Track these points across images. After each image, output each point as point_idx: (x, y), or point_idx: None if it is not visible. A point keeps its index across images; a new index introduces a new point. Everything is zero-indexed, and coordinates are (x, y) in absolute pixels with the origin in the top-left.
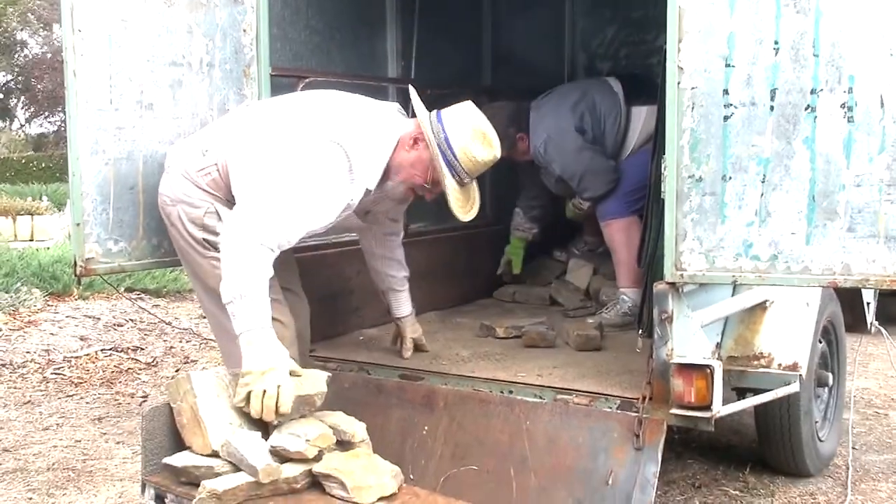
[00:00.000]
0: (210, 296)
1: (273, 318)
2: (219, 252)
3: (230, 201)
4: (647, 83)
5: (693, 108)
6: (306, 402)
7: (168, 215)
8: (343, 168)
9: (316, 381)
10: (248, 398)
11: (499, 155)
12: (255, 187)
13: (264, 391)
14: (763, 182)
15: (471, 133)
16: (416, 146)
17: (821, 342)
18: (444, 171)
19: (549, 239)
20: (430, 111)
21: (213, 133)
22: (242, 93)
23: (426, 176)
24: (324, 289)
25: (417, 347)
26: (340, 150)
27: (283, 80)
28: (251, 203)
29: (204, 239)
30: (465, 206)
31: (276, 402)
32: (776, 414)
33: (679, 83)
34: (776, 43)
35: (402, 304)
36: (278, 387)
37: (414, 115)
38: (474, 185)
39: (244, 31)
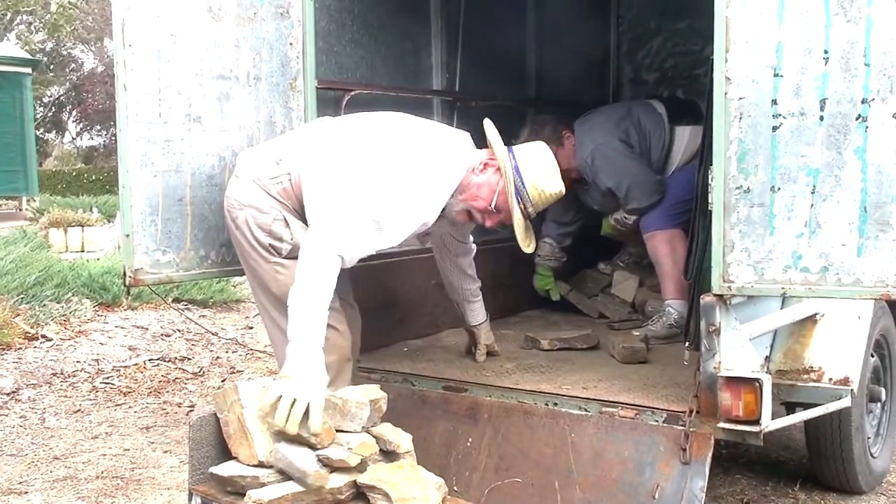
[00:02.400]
0: (270, 299)
1: (329, 326)
2: (283, 258)
3: (297, 211)
4: (688, 105)
5: (741, 118)
6: (376, 410)
7: (234, 219)
8: (422, 190)
9: (370, 390)
10: (276, 402)
11: (563, 191)
12: (338, 203)
13: (294, 399)
14: (813, 193)
15: (540, 166)
16: (484, 171)
17: (873, 356)
18: (513, 195)
19: (594, 251)
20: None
21: (289, 143)
22: (289, 106)
23: (489, 200)
24: (369, 300)
25: (490, 353)
26: (421, 172)
27: (329, 94)
28: (332, 216)
29: (270, 244)
30: (526, 238)
31: (301, 416)
32: (827, 429)
33: (726, 93)
34: (826, 52)
35: (477, 314)
36: (309, 402)
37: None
38: (531, 223)
39: (290, 44)
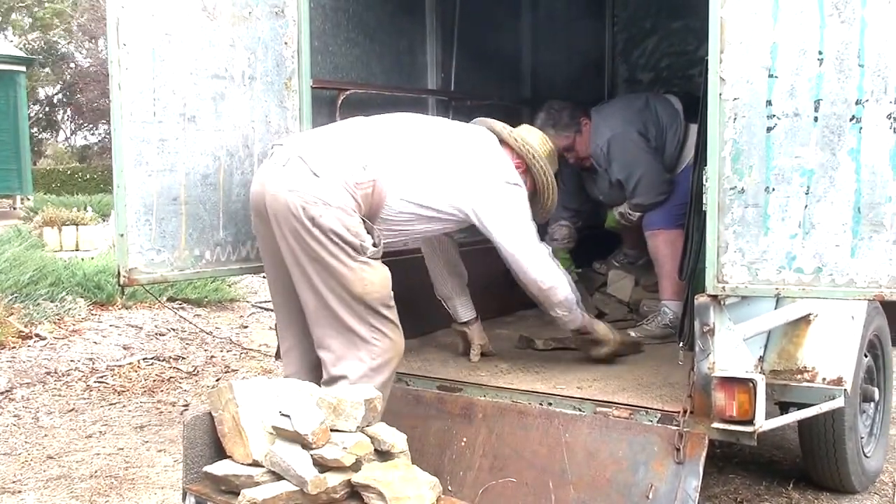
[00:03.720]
0: (339, 298)
1: (396, 326)
2: (369, 257)
3: (367, 217)
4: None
5: (735, 119)
6: (371, 409)
7: (315, 216)
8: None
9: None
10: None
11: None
12: (521, 231)
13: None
14: (807, 194)
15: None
16: (521, 170)
17: (866, 356)
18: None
19: (589, 251)
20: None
21: (372, 147)
22: (284, 105)
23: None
24: None
25: (484, 353)
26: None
27: (324, 93)
28: (529, 240)
29: (361, 244)
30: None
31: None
32: (820, 429)
33: (721, 94)
34: (820, 53)
35: (466, 309)
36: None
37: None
38: None
39: (285, 44)
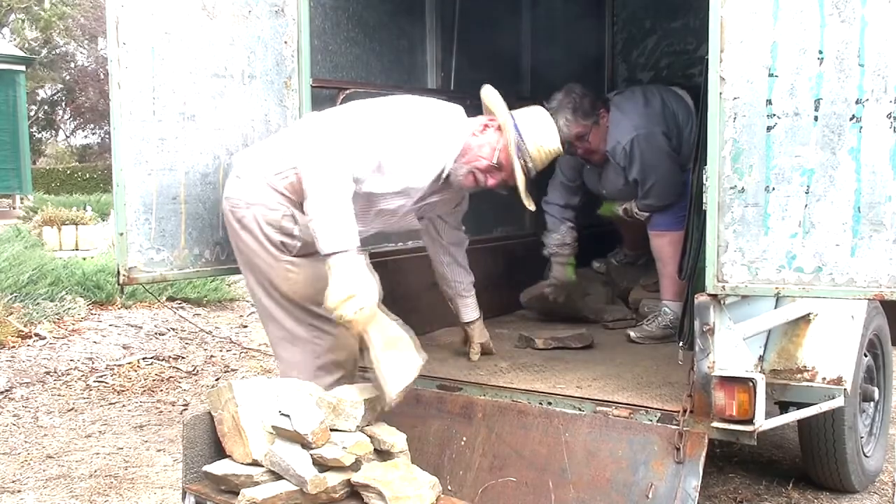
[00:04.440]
0: (276, 299)
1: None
2: (294, 256)
3: (303, 206)
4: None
5: (735, 118)
6: (371, 409)
7: (240, 218)
8: (424, 143)
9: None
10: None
11: (562, 150)
12: (344, 126)
13: (348, 319)
14: (807, 193)
15: (540, 124)
16: (484, 131)
17: (866, 356)
18: (514, 149)
19: (588, 250)
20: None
21: (289, 138)
22: (283, 104)
23: (491, 157)
24: None
25: (485, 351)
26: (422, 127)
27: (324, 92)
28: (337, 133)
29: (281, 242)
30: (528, 196)
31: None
32: (820, 429)
33: (721, 93)
34: (820, 52)
35: (470, 310)
36: (357, 310)
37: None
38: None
39: (285, 42)
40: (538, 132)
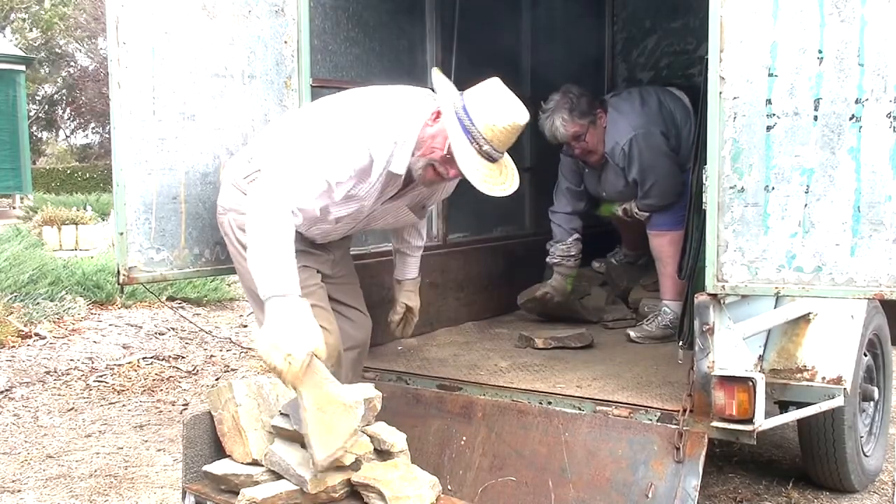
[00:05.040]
0: (257, 303)
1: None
2: None
3: None
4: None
5: (735, 118)
6: (371, 409)
7: (221, 224)
8: (368, 142)
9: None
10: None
11: (521, 122)
12: (285, 157)
13: (274, 367)
14: (807, 193)
15: (488, 100)
16: (436, 120)
17: (866, 355)
18: (461, 137)
19: (588, 250)
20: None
21: (258, 141)
22: (283, 104)
23: (443, 147)
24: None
25: (408, 317)
26: (366, 125)
27: (324, 92)
28: (279, 169)
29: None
30: (494, 180)
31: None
32: (820, 428)
33: (721, 93)
34: (820, 52)
35: (410, 268)
36: (284, 360)
37: None
38: (507, 160)
39: (285, 42)
40: (488, 110)
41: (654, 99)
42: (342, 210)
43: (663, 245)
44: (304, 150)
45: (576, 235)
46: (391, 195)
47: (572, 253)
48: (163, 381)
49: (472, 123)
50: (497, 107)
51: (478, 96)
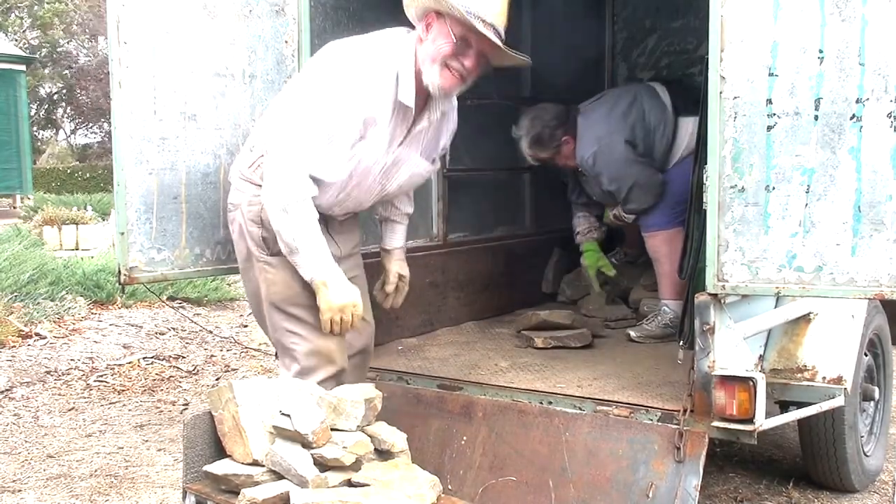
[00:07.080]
0: (257, 306)
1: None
2: (270, 255)
3: None
4: (692, 91)
5: (735, 117)
6: (371, 408)
7: (231, 222)
8: (361, 83)
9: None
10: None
11: None
12: (278, 130)
13: (341, 318)
14: (807, 192)
15: None
16: (429, 30)
17: (866, 355)
18: (461, 7)
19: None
20: None
21: (256, 132)
22: None
23: (450, 40)
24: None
25: (400, 286)
26: (354, 67)
27: None
28: (275, 144)
29: (262, 237)
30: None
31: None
32: (820, 428)
33: (721, 93)
34: (821, 52)
35: (397, 236)
36: (352, 315)
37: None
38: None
39: (286, 42)
40: None
41: (626, 101)
42: (356, 162)
43: (657, 245)
44: (304, 113)
45: (579, 214)
46: (401, 139)
47: (578, 230)
48: (163, 380)
49: (464, 3)
50: None
51: None
